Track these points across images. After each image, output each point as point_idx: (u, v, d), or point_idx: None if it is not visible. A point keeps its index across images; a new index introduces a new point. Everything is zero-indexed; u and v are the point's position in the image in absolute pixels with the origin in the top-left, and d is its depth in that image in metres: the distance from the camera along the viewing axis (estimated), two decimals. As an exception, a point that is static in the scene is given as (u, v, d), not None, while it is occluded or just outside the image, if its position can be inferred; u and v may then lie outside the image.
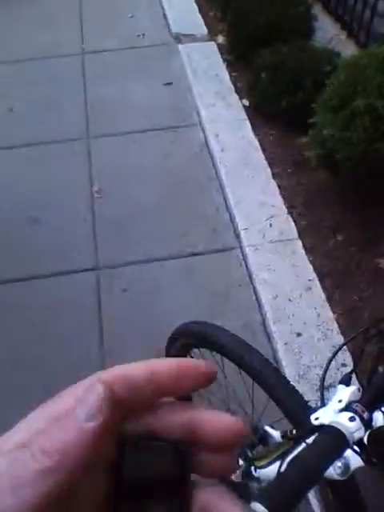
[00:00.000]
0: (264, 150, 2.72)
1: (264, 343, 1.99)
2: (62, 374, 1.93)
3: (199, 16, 3.89)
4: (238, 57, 3.33)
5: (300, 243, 2.25)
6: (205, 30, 3.73)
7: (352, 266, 2.12)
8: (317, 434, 0.80)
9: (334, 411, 0.87)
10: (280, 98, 2.71)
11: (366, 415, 0.80)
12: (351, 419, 0.78)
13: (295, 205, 2.41)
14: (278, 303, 2.06)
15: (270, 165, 2.62)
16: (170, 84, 3.34)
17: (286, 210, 2.38)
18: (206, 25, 3.78)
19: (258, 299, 2.13)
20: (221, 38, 3.61)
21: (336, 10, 3.71)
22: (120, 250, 2.37)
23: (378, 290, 2.03)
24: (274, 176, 2.56)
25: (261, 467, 1.21)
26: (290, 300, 2.06)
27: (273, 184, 2.52)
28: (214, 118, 2.96)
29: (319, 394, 1.11)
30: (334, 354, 1.21)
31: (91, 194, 2.63)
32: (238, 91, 3.12)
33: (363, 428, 0.79)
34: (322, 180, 2.41)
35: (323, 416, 0.90)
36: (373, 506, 1.14)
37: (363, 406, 0.81)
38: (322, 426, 0.81)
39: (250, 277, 2.21)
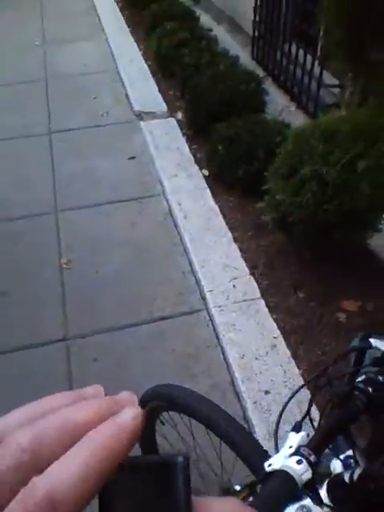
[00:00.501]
0: (224, 216, 2.87)
1: (234, 402, 2.02)
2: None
3: (159, 95, 4.18)
4: (196, 131, 3.56)
5: (263, 302, 2.34)
6: (165, 108, 3.99)
7: (314, 321, 2.21)
8: (269, 480, 0.85)
9: (285, 456, 0.92)
10: (236, 167, 2.90)
11: (312, 458, 0.85)
12: (299, 462, 0.83)
13: (256, 266, 2.52)
14: (245, 362, 2.12)
15: (231, 229, 2.76)
16: (133, 158, 3.53)
17: (248, 271, 2.49)
18: (165, 102, 4.06)
19: (225, 359, 2.18)
20: (180, 115, 3.86)
21: (285, 83, 4.07)
22: (90, 318, 2.41)
23: (339, 343, 2.11)
24: (235, 240, 2.69)
25: None
26: (256, 358, 2.12)
27: (234, 247, 2.65)
28: (177, 188, 3.12)
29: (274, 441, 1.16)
30: (286, 404, 1.27)
31: (60, 265, 2.70)
32: (197, 162, 3.31)
33: (310, 470, 0.84)
34: (280, 241, 2.55)
35: (275, 462, 0.95)
36: None
37: (310, 449, 0.87)
38: (273, 472, 0.87)
39: (218, 337, 2.27)
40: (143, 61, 4.81)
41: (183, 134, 3.63)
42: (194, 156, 3.38)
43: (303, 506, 0.94)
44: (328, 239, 2.19)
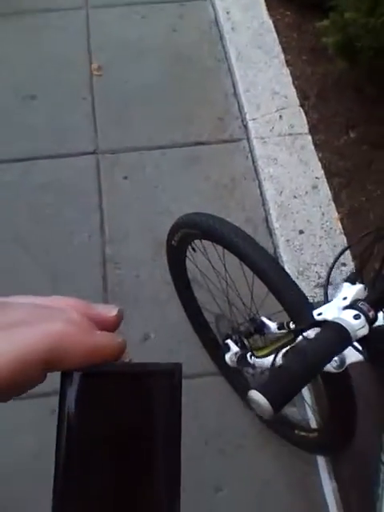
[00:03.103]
0: (278, 34, 2.50)
1: (266, 239, 1.98)
2: (64, 257, 1.93)
3: None
4: None
5: (310, 138, 2.15)
6: None
7: (362, 165, 2.05)
8: (320, 329, 0.80)
9: (339, 308, 0.86)
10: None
11: (371, 314, 0.79)
12: (356, 317, 0.77)
13: (308, 96, 2.27)
14: (282, 199, 2.02)
15: (284, 50, 2.43)
16: None
17: (299, 102, 2.25)
18: None
19: (262, 194, 2.08)
20: None
21: None
22: (121, 134, 2.25)
23: (386, 191, 1.99)
24: (288, 63, 2.38)
25: (260, 357, 1.24)
26: (294, 197, 2.02)
27: (286, 72, 2.36)
28: (226, -8, 2.68)
29: (323, 291, 1.10)
30: (341, 253, 1.20)
31: (90, 72, 2.44)
32: (254, -38, 2.80)
33: (367, 326, 0.78)
34: (339, 71, 2.25)
35: (327, 312, 0.89)
36: (363, 399, 1.20)
37: (369, 304, 0.80)
38: (325, 322, 0.81)
39: (256, 170, 2.14)
40: None
41: None
42: None
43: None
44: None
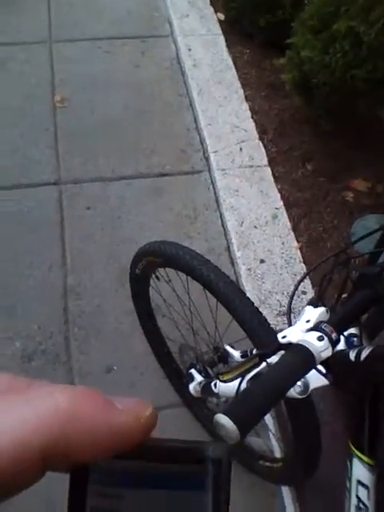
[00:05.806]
0: (238, 70, 2.60)
1: (228, 268, 2.00)
2: (23, 290, 1.89)
3: None
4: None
5: (269, 170, 2.22)
6: None
7: (319, 196, 2.13)
8: (284, 352, 0.81)
9: (302, 331, 0.87)
10: (258, 15, 2.56)
11: (334, 335, 0.80)
12: (320, 338, 0.78)
13: (267, 130, 2.35)
14: (243, 230, 2.06)
15: (244, 86, 2.52)
16: (140, -12, 3.08)
17: (258, 136, 2.32)
18: None
19: (223, 224, 2.12)
20: None
21: None
22: (84, 165, 2.26)
23: (342, 221, 2.06)
24: (247, 98, 2.47)
25: (225, 381, 1.24)
26: (255, 227, 2.06)
27: (245, 107, 2.44)
28: (187, 30, 2.78)
29: (286, 317, 1.12)
30: (303, 278, 1.22)
31: (53, 104, 2.46)
32: (213, 4, 2.92)
33: (331, 348, 0.79)
34: (296, 106, 2.35)
35: (291, 335, 0.90)
36: (325, 424, 1.21)
37: (332, 326, 0.82)
38: (289, 344, 0.82)
39: (217, 201, 2.18)
40: None
41: (200, -33, 3.15)
42: (210, -5, 2.98)
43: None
44: (351, 109, 2.01)
